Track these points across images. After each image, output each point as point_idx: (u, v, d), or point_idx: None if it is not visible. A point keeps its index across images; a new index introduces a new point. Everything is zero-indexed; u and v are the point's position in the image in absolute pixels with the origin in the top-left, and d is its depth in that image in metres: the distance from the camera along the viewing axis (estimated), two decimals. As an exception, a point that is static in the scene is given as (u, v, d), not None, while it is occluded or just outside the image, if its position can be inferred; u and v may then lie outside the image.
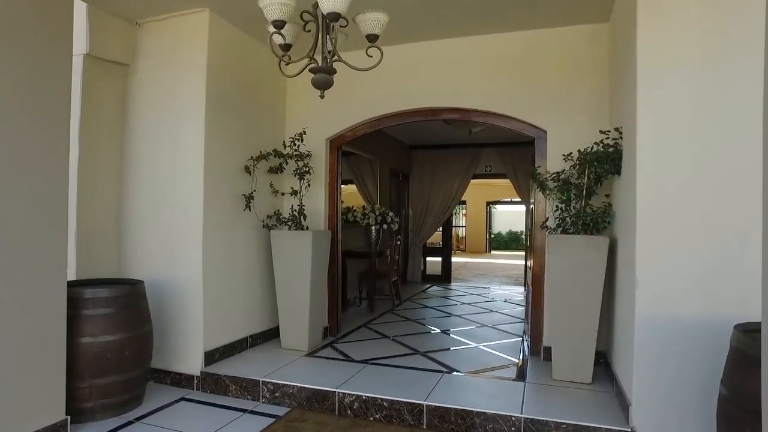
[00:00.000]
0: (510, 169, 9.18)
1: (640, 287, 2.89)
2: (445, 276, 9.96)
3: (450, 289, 9.06)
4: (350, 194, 8.68)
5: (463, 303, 7.52)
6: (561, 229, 3.96)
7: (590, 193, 3.86)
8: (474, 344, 5.01)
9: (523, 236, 27.16)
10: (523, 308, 7.10)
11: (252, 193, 4.46)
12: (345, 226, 6.87)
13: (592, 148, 3.82)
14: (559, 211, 3.98)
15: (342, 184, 9.24)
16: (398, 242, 6.99)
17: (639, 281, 2.89)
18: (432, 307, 7.12)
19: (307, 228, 4.82)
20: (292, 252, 4.54)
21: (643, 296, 2.88)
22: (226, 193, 4.28)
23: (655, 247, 2.86)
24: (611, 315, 3.82)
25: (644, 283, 2.88)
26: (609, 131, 3.76)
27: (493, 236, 22.72)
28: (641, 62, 2.93)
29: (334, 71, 2.62)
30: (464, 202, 20.20)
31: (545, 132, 4.48)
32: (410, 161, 9.90)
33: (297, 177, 4.77)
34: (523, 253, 22.40)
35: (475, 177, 9.64)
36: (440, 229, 10.03)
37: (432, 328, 5.78)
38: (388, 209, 7.41)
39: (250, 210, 4.45)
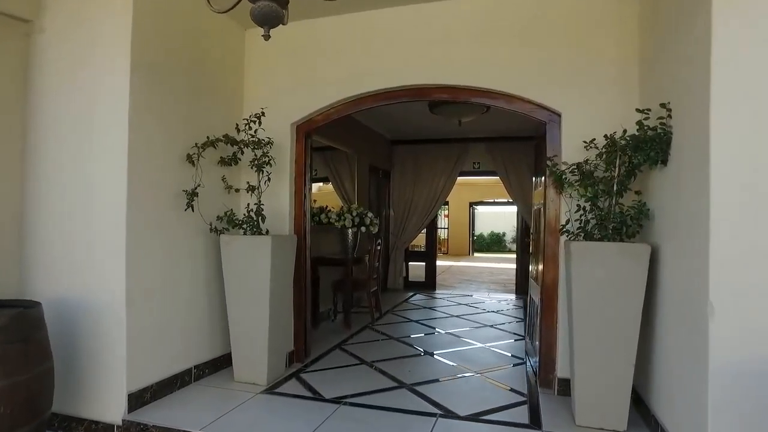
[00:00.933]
0: (500, 166, 8.42)
1: (715, 316, 2.08)
2: (429, 283, 9.14)
3: (435, 298, 8.23)
4: (328, 194, 7.82)
5: (451, 315, 6.69)
6: (583, 233, 3.15)
7: (622, 188, 3.06)
8: (470, 371, 4.17)
9: (505, 238, 26.71)
10: (519, 321, 6.31)
11: (196, 188, 3.55)
12: (317, 229, 5.99)
13: (625, 132, 3.03)
14: (582, 212, 3.17)
15: (317, 182, 8.43)
16: (378, 247, 6.14)
17: (713, 307, 2.09)
18: (416, 321, 6.28)
19: (267, 232, 3.92)
20: (247, 261, 3.64)
21: (720, 329, 2.08)
22: (160, 188, 3.36)
23: (742, 261, 2.06)
24: (648, 340, 3.02)
25: (722, 310, 2.08)
26: (648, 110, 2.96)
27: (474, 238, 22.03)
28: (718, 14, 2.13)
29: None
30: (446, 203, 19.45)
31: (559, 115, 3.67)
32: (391, 157, 9.06)
33: (254, 169, 3.88)
34: (509, 255, 21.87)
35: (462, 174, 8.85)
36: (423, 231, 9.21)
37: (418, 348, 4.93)
38: (367, 209, 6.55)
39: (192, 210, 3.53)
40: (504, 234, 26.60)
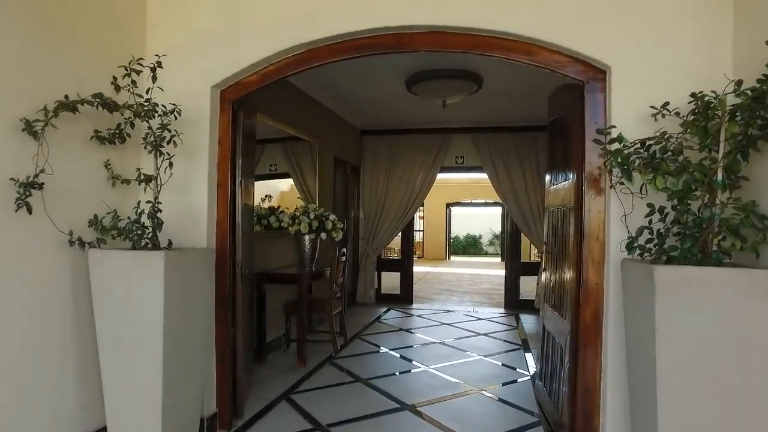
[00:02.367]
0: (487, 160, 7.25)
1: None
2: (405, 295, 7.90)
3: (412, 315, 6.99)
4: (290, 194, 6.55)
5: (434, 341, 5.46)
6: (654, 251, 1.96)
7: (732, 178, 1.87)
8: (467, 440, 2.95)
9: (482, 240, 25.73)
10: (516, 349, 5.13)
11: (36, 176, 2.21)
12: (265, 237, 4.68)
13: (739, 85, 1.85)
14: (658, 215, 1.98)
15: (275, 177, 7.11)
16: (343, 257, 4.87)
17: None
18: (391, 351, 5.03)
19: (170, 244, 2.62)
20: (130, 289, 2.33)
21: None
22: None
23: None
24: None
25: None
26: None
27: (451, 241, 20.93)
28: None
29: None
30: (421, 204, 18.28)
31: (603, 72, 2.48)
32: (361, 150, 7.79)
33: (149, 150, 2.57)
34: (487, 260, 20.81)
35: (444, 171, 7.64)
36: (399, 235, 7.98)
37: (394, 398, 3.68)
38: (330, 211, 5.27)
39: (30, 211, 2.19)
40: (480, 236, 25.66)
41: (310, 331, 5.39)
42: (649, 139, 2.06)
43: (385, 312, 7.15)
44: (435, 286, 10.36)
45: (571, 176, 2.84)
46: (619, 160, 2.00)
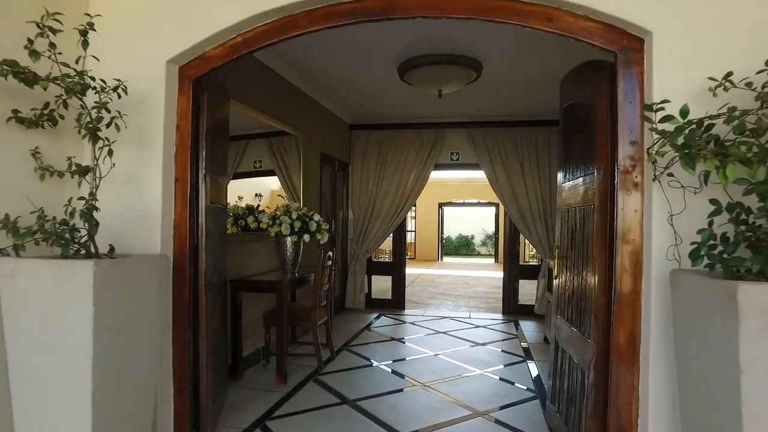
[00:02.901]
0: (485, 157, 6.80)
1: None
2: (396, 300, 7.43)
3: (405, 322, 6.53)
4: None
5: (428, 353, 5.00)
6: (723, 261, 1.52)
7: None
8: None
9: (474, 241, 25.31)
10: (519, 362, 4.69)
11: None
12: (241, 239, 4.21)
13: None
14: (732, 216, 1.53)
15: (260, 175, 6.61)
16: (329, 261, 4.40)
17: None
18: (382, 365, 4.56)
19: (112, 250, 2.14)
20: (51, 309, 1.84)
21: None
22: None
23: None
24: None
25: None
26: None
27: (443, 242, 20.49)
28: None
29: None
30: (413, 204, 17.82)
31: (642, 40, 2.04)
32: (350, 145, 7.32)
33: (85, 135, 2.08)
34: (480, 261, 20.39)
35: (438, 168, 7.18)
36: (390, 236, 7.52)
37: (386, 424, 3.21)
38: (315, 210, 4.80)
39: None
40: (473, 237, 25.28)
41: (293, 343, 4.93)
42: (710, 117, 1.61)
43: (376, 318, 6.68)
44: (428, 289, 9.92)
45: (593, 170, 2.39)
46: (681, 141, 1.54)
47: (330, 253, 4.42)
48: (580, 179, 2.67)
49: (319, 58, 4.58)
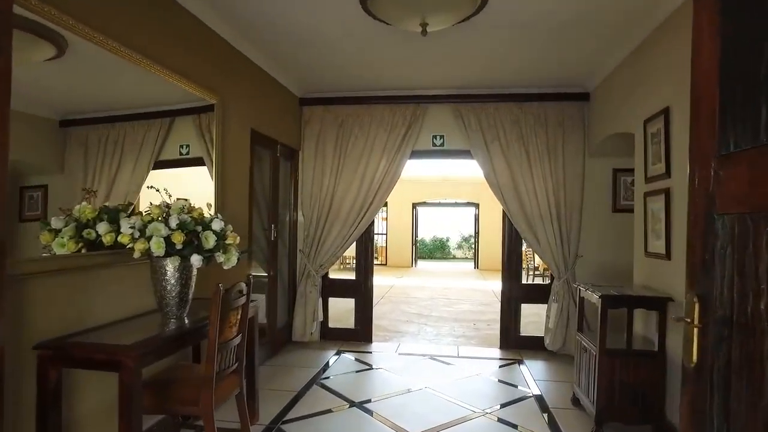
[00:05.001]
0: (478, 141, 5.11)
1: None
2: (361, 331, 5.64)
3: (371, 368, 4.75)
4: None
5: None
6: None
7: None
8: None
9: (450, 243, 23.74)
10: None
11: None
12: (80, 264, 2.36)
13: None
14: None
15: (189, 164, 4.68)
16: (242, 297, 2.61)
17: None
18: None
19: None
20: None
21: None
22: None
23: None
24: None
25: None
26: None
27: (417, 245, 18.80)
28: None
29: None
30: (384, 204, 16.08)
31: None
32: (301, 126, 5.52)
33: None
34: (457, 265, 18.53)
35: (416, 156, 5.44)
36: (354, 245, 5.74)
37: None
38: (218, 212, 3.00)
39: None
40: (448, 239, 23.81)
41: (183, 426, 3.11)
42: None
43: (334, 358, 4.90)
44: (401, 307, 8.16)
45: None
46: None
47: (242, 286, 2.62)
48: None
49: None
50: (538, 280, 10.41)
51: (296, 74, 4.86)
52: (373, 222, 5.63)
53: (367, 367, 4.70)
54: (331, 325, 5.70)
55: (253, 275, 4.96)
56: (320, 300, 5.45)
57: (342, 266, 13.33)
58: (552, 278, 5.16)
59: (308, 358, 4.94)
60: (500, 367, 4.75)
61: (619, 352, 3.04)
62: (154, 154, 3.49)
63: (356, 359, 4.93)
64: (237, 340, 2.71)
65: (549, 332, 5.04)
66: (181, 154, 3.99)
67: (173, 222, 2.42)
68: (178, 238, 2.39)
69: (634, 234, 3.75)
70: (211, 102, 3.65)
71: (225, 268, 2.67)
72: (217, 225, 2.59)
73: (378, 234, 17.45)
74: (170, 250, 2.43)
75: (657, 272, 3.26)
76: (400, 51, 4.08)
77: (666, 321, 2.94)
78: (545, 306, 5.14)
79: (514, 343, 5.34)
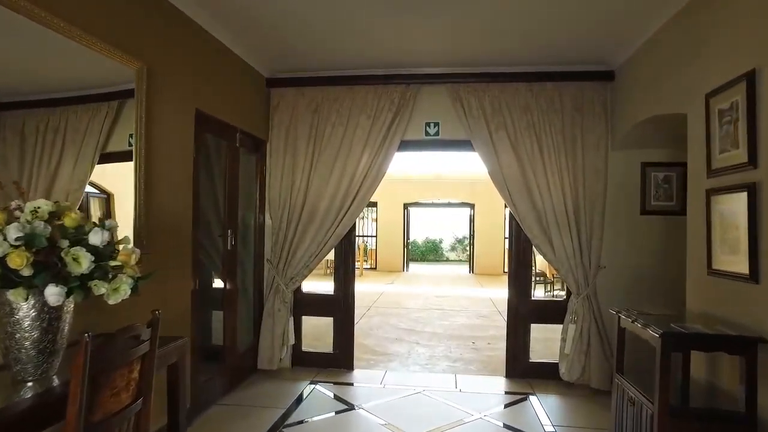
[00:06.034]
0: (480, 129, 4.25)
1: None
2: (341, 356, 4.75)
3: (353, 407, 3.86)
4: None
5: None
6: None
7: None
8: None
9: (443, 245, 22.86)
10: None
11: None
12: None
13: None
14: None
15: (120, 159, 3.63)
16: (143, 346, 1.74)
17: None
18: None
19: None
20: None
21: None
22: None
23: None
24: None
25: None
26: None
27: (409, 248, 17.89)
28: None
29: None
30: (374, 204, 15.21)
31: None
32: (267, 111, 4.63)
33: None
34: (451, 268, 17.56)
35: (405, 147, 4.56)
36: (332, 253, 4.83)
37: None
38: (89, 218, 2.10)
39: None
40: (441, 241, 22.97)
41: None
42: None
43: (308, 389, 4.02)
44: (391, 321, 7.26)
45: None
46: None
47: (139, 329, 1.73)
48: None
49: None
50: (540, 288, 9.51)
51: (261, 47, 3.96)
52: (354, 226, 4.75)
53: (346, 407, 3.80)
54: (305, 348, 4.80)
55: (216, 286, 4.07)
56: (291, 319, 4.55)
57: (326, 271, 12.40)
58: (568, 293, 4.30)
59: (275, 392, 4.05)
60: (507, 405, 3.88)
61: (691, 412, 2.18)
62: (99, 145, 2.71)
63: (334, 395, 4.04)
64: (136, 407, 1.82)
65: (565, 359, 4.18)
66: (130, 145, 3.12)
67: (12, 233, 1.52)
68: (19, 261, 1.50)
69: (687, 244, 2.88)
70: (133, 69, 2.75)
71: (110, 303, 1.76)
72: (96, 238, 1.70)
73: (369, 236, 16.55)
74: (11, 277, 1.53)
75: (730, 299, 2.41)
76: (390, 16, 3.20)
77: (756, 370, 2.08)
78: (558, 325, 4.28)
79: (523, 372, 4.47)
